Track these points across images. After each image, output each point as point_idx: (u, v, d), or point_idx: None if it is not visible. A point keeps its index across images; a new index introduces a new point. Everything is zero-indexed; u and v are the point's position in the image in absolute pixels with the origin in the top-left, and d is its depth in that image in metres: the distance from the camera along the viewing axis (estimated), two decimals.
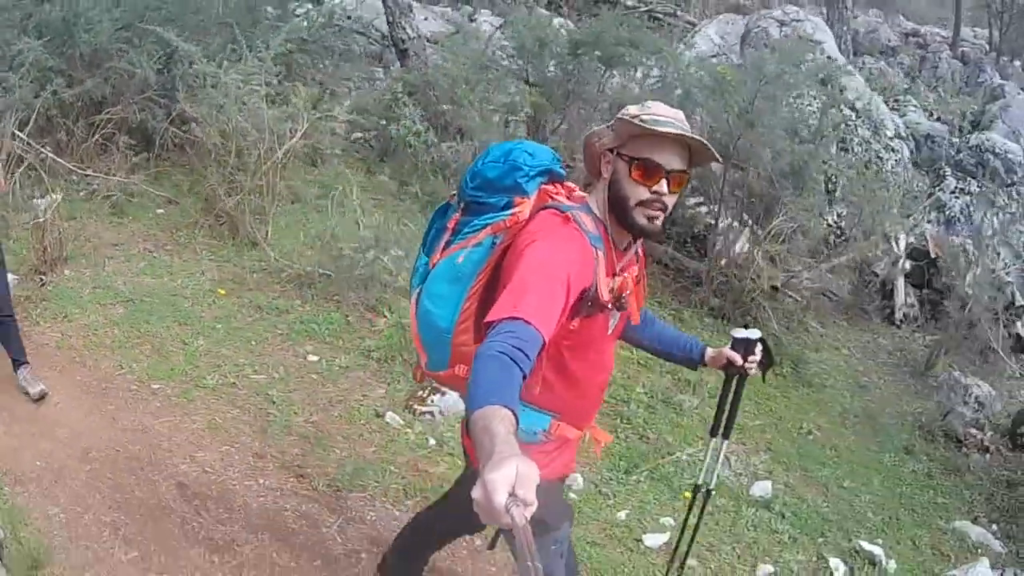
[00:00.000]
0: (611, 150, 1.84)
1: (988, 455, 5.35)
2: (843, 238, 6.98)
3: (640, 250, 2.04)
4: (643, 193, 1.78)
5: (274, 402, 3.92)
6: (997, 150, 7.92)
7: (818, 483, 4.44)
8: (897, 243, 7.04)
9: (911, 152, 8.10)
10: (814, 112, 6.43)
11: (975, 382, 5.97)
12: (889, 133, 7.61)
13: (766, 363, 2.24)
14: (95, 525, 3.03)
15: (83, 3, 5.82)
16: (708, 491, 2.53)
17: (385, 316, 4.78)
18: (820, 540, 3.88)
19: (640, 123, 1.74)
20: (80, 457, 3.35)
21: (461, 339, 1.90)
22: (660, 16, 10.13)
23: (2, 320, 3.74)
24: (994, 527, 4.40)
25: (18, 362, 3.80)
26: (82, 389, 3.82)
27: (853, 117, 7.57)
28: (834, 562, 3.68)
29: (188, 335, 4.44)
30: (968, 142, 8.07)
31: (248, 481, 3.35)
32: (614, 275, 1.87)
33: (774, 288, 6.04)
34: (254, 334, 4.54)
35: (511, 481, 1.07)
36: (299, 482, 3.38)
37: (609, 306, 1.85)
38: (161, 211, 6.08)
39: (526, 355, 1.45)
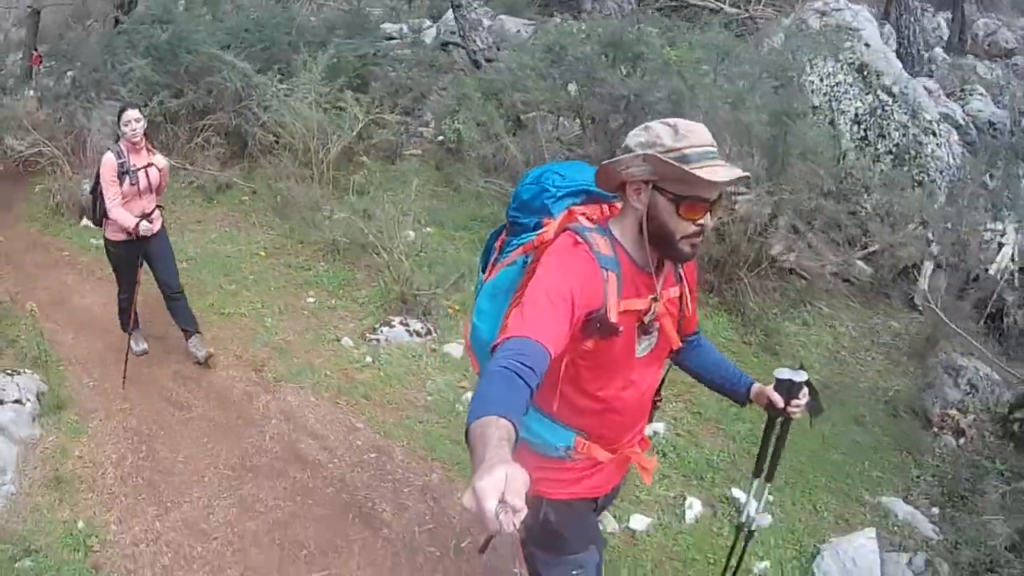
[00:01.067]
0: (645, 181, 1.80)
1: (963, 439, 5.07)
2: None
3: (685, 272, 2.04)
4: (689, 228, 1.79)
5: (265, 326, 5.09)
6: None
7: (727, 436, 4.24)
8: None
9: (965, 139, 8.04)
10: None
11: (974, 364, 5.87)
12: (928, 117, 7.67)
13: (814, 408, 2.16)
14: (111, 391, 4.32)
15: (187, 27, 7.47)
16: (750, 532, 2.47)
17: (385, 275, 5.74)
18: (696, 483, 3.82)
19: (687, 169, 1.70)
20: (119, 349, 4.67)
21: None
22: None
23: (174, 296, 4.66)
24: (935, 510, 3.98)
25: (188, 332, 4.68)
26: None
27: (890, 102, 7.72)
28: (691, 500, 3.64)
29: (226, 282, 5.75)
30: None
31: (221, 372, 4.53)
32: (646, 298, 1.89)
33: (772, 263, 6.22)
34: (275, 283, 5.75)
35: (500, 487, 1.09)
36: (256, 374, 4.52)
37: (621, 328, 1.83)
38: (245, 199, 7.53)
39: (531, 369, 1.48)
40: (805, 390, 2.09)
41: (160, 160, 4.66)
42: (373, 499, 3.57)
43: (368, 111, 7.58)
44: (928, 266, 7.41)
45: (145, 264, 4.59)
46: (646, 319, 1.89)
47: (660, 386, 2.16)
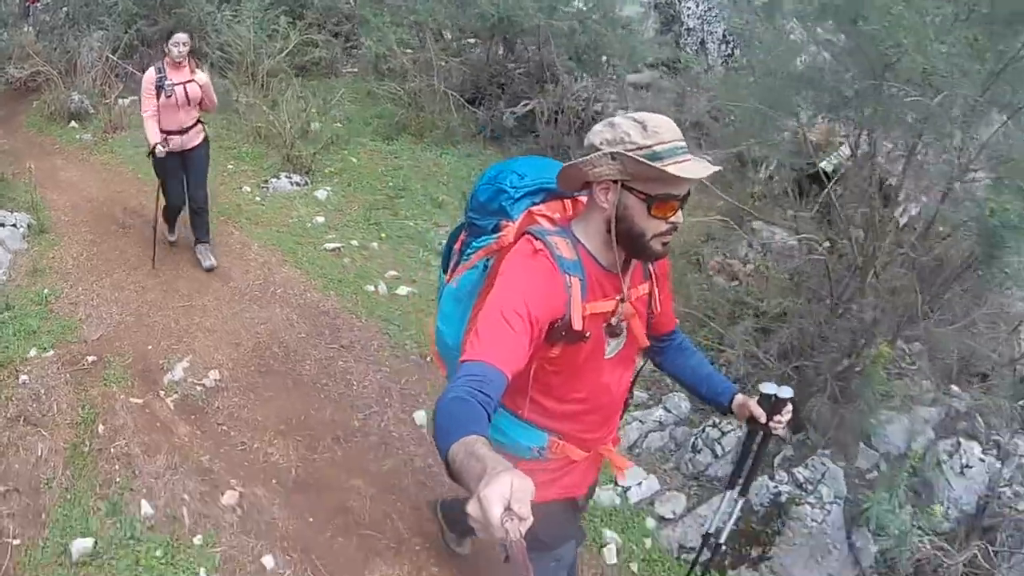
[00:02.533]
0: (613, 180, 1.76)
1: (736, 281, 5.27)
2: None
3: (656, 268, 2.02)
4: (661, 226, 1.76)
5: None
6: None
7: None
8: None
9: None
10: None
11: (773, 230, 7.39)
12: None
13: (795, 425, 2.15)
14: (79, 222, 6.35)
15: None
16: (718, 544, 2.45)
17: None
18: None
19: (659, 167, 1.67)
20: (89, 201, 6.69)
21: None
22: None
23: (198, 209, 5.41)
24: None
25: (201, 240, 5.51)
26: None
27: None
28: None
29: None
30: None
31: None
32: (613, 299, 1.88)
33: None
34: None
35: (506, 496, 1.09)
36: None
37: (587, 333, 1.82)
38: None
39: (486, 395, 1.49)
40: (789, 407, 2.08)
41: (201, 77, 5.07)
42: (230, 267, 5.56)
43: (301, 33, 9.40)
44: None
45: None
46: (613, 321, 1.89)
47: (632, 384, 2.17)
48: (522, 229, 1.87)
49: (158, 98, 4.94)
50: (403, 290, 5.30)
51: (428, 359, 4.55)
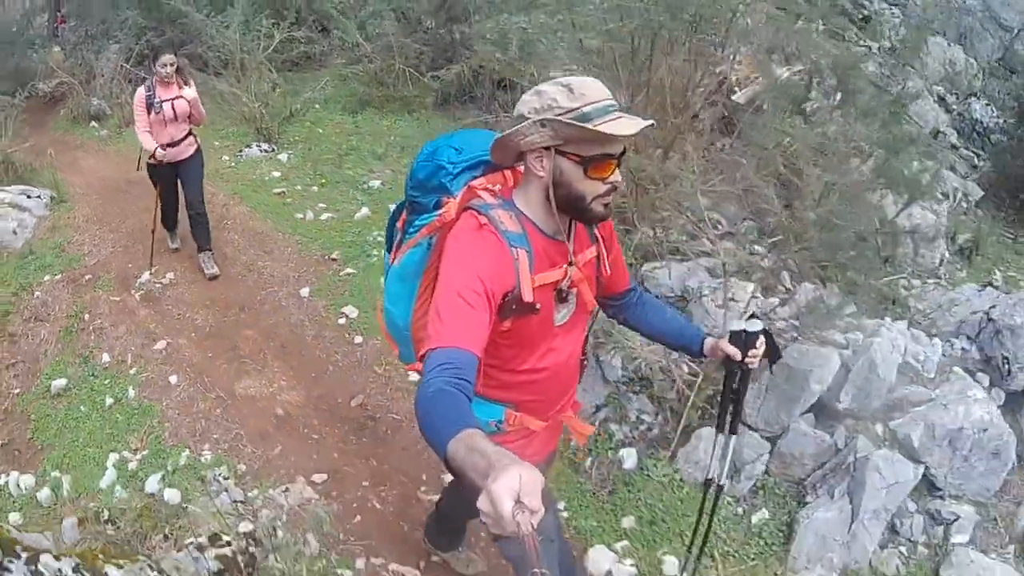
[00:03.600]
0: (546, 147, 1.77)
1: None
2: None
3: (601, 230, 2.06)
4: (600, 187, 1.78)
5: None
6: None
7: None
8: None
9: None
10: None
11: None
12: None
13: (773, 354, 2.20)
14: (91, 195, 7.98)
15: None
16: (719, 486, 2.49)
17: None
18: None
19: (590, 127, 1.69)
20: (101, 180, 8.34)
21: (420, 335, 1.98)
22: None
23: (195, 215, 5.78)
24: None
25: (203, 248, 5.86)
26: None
27: None
28: None
29: None
30: None
31: None
32: (561, 267, 1.91)
33: None
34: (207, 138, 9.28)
35: (515, 489, 1.11)
36: None
37: (538, 305, 1.84)
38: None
39: (466, 380, 1.53)
40: (761, 338, 2.12)
41: (189, 92, 5.38)
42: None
43: (283, 32, 10.94)
44: None
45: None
46: (563, 287, 1.92)
47: (584, 346, 2.20)
48: (463, 204, 1.89)
49: (148, 114, 5.33)
50: (325, 216, 6.70)
51: (326, 258, 5.94)
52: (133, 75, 10.96)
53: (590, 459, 3.97)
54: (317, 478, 3.90)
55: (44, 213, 7.68)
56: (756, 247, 5.59)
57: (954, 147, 7.91)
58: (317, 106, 9.87)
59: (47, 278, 6.22)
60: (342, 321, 5.18)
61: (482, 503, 1.13)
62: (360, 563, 3.38)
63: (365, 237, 6.12)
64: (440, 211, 1.95)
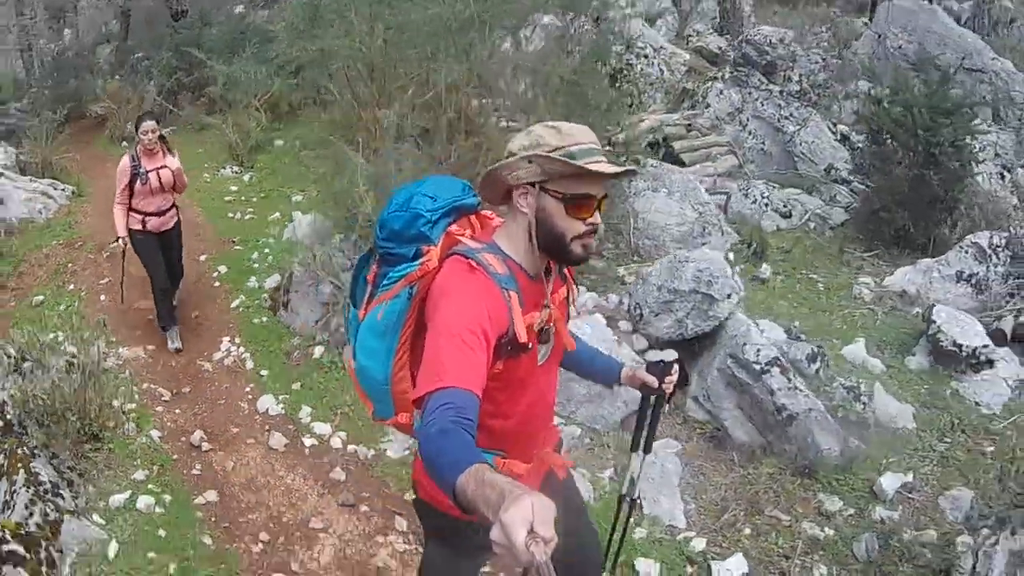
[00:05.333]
0: (532, 184, 1.87)
1: None
2: None
3: (568, 269, 2.16)
4: (580, 227, 1.87)
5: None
6: None
7: None
8: None
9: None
10: None
11: None
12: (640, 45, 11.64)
13: (682, 382, 2.40)
14: (104, 190, 11.02)
15: (189, 34, 14.25)
16: (632, 501, 2.67)
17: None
18: None
19: (574, 163, 1.79)
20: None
21: (399, 388, 2.04)
22: None
23: (174, 283, 6.30)
24: None
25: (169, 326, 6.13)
26: None
27: None
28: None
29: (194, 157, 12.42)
30: None
31: None
32: (541, 308, 1.98)
33: None
34: (207, 162, 12.27)
35: (529, 518, 1.14)
36: None
37: (530, 345, 1.93)
38: (215, 131, 14.21)
39: (469, 419, 1.57)
40: (676, 367, 2.35)
41: (173, 162, 5.43)
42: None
43: (278, 74, 13.98)
44: None
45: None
46: (546, 327, 2.02)
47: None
48: (446, 251, 1.94)
49: (133, 185, 5.45)
50: (248, 217, 9.51)
51: (229, 240, 8.70)
52: (164, 107, 14.15)
53: None
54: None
55: (65, 202, 10.73)
56: None
57: (845, 180, 9.05)
58: (297, 139, 12.80)
59: (54, 242, 9.19)
60: (215, 275, 7.96)
61: (495, 534, 1.18)
62: None
63: (265, 230, 8.84)
64: (420, 260, 1.97)
